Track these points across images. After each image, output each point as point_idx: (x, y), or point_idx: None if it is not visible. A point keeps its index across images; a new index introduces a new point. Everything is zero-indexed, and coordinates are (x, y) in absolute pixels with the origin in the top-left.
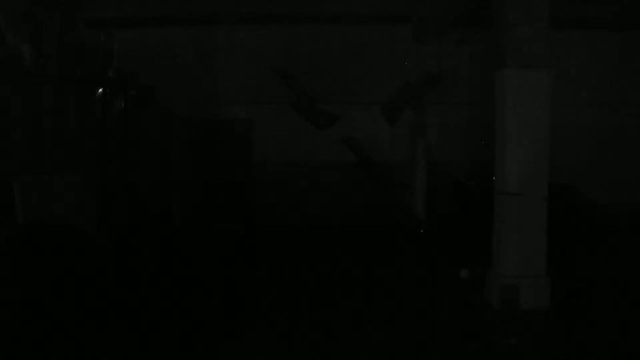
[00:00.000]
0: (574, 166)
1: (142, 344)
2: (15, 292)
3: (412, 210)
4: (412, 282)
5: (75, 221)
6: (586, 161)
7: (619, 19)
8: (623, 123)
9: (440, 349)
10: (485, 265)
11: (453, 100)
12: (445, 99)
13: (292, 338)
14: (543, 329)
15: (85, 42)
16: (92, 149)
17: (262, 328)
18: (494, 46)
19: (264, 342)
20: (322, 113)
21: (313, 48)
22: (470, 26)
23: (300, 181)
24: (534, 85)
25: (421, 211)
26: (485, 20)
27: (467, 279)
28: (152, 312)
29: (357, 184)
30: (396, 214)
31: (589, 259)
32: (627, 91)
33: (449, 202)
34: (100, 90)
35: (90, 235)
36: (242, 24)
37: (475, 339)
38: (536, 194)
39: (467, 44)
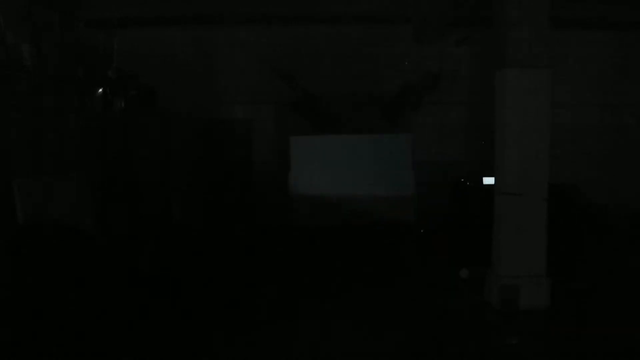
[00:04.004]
0: (574, 166)
1: (143, 344)
2: (15, 292)
3: (410, 210)
4: (411, 281)
5: (75, 221)
6: (586, 161)
7: (619, 19)
8: (623, 123)
9: (440, 348)
10: (485, 265)
11: (453, 100)
12: (445, 99)
13: (293, 337)
14: (543, 329)
15: (85, 42)
16: (92, 149)
17: (263, 328)
18: (494, 46)
19: (264, 342)
20: (322, 113)
21: (313, 48)
22: (470, 26)
23: None
24: (534, 85)
25: (415, 211)
26: (485, 20)
27: (467, 279)
28: (152, 312)
29: None
30: (395, 214)
31: (589, 259)
32: (628, 91)
33: (449, 202)
34: (100, 90)
35: (90, 235)
36: (242, 24)
37: (475, 339)
38: (536, 194)
39: (467, 44)
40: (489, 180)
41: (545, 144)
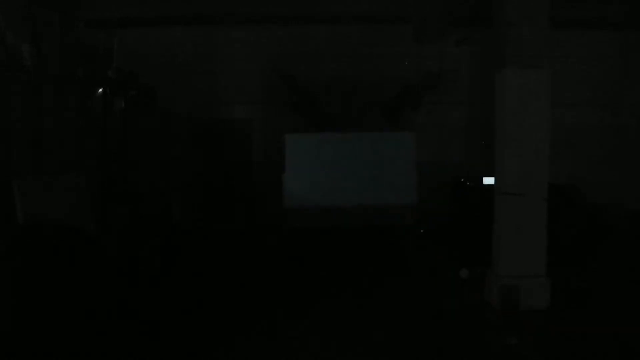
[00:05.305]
0: (574, 166)
1: (143, 344)
2: (15, 292)
3: (411, 215)
4: (412, 281)
5: (75, 221)
6: (586, 161)
7: (619, 19)
8: (623, 123)
9: (440, 348)
10: (485, 265)
11: (453, 100)
12: (445, 99)
13: (293, 335)
14: (543, 329)
15: (85, 42)
16: (92, 149)
17: (262, 328)
18: (494, 46)
19: (263, 342)
20: (322, 113)
21: (313, 48)
22: (470, 26)
23: None
24: (534, 85)
25: (413, 211)
26: (485, 20)
27: (467, 279)
28: (152, 312)
29: None
30: (395, 214)
31: (589, 259)
32: (627, 91)
33: (449, 202)
34: (100, 90)
35: (90, 235)
36: (242, 24)
37: (475, 339)
38: (536, 194)
39: (467, 44)
40: (489, 180)
41: (545, 144)
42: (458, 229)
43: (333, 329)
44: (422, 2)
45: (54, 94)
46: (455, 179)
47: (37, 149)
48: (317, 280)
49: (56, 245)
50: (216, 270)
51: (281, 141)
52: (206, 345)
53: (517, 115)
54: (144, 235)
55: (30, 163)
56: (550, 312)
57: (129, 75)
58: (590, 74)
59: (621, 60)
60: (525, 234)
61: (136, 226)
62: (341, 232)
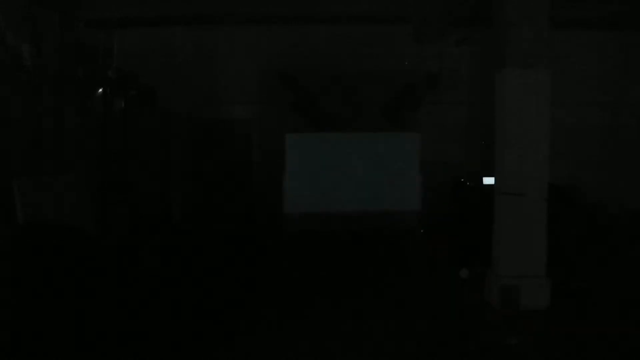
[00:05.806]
0: (574, 166)
1: (143, 343)
2: (15, 292)
3: (415, 220)
4: (412, 281)
5: (75, 221)
6: (586, 161)
7: (619, 19)
8: (623, 123)
9: (440, 348)
10: (485, 265)
11: (453, 100)
12: (445, 99)
13: (290, 338)
14: (543, 329)
15: (85, 42)
16: (92, 149)
17: (262, 328)
18: (494, 46)
19: (262, 343)
20: (322, 113)
21: (313, 48)
22: (470, 26)
23: None
24: (534, 85)
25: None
26: (485, 20)
27: (467, 279)
28: (152, 313)
29: None
30: (396, 215)
31: (589, 259)
32: (627, 91)
33: (449, 202)
34: (100, 90)
35: (90, 235)
36: (242, 24)
37: (475, 339)
38: (536, 194)
39: (467, 44)
40: (489, 180)
41: (545, 144)
42: (458, 229)
43: (333, 329)
44: (422, 2)
45: (54, 94)
46: (455, 179)
47: (37, 149)
48: (317, 281)
49: (56, 245)
50: (216, 270)
51: (281, 141)
52: (206, 345)
53: (517, 115)
54: (144, 235)
55: (30, 163)
56: (550, 312)
57: (129, 75)
58: (590, 74)
59: (621, 60)
60: (525, 234)
61: (136, 226)
62: (341, 233)
